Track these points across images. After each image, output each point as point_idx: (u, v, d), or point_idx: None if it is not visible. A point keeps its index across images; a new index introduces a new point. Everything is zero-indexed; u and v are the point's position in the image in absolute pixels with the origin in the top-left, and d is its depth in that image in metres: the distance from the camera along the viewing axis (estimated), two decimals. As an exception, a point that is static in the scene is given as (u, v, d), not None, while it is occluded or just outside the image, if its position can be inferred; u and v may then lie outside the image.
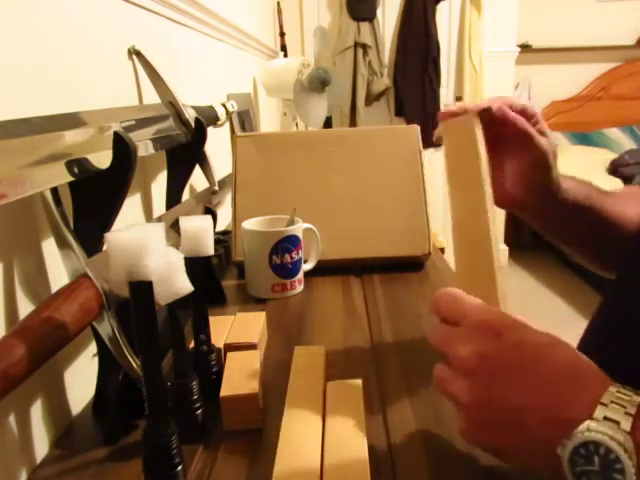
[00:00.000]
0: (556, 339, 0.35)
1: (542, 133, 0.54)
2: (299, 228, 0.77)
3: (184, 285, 0.41)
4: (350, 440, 0.40)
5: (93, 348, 0.49)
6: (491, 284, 0.42)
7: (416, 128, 0.91)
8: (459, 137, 0.49)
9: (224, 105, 1.13)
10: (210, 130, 0.86)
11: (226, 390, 0.47)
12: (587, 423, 0.30)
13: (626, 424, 0.29)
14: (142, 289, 0.35)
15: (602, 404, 0.30)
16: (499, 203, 0.56)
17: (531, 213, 0.61)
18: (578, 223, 0.59)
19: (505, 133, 0.53)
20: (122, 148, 0.50)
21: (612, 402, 0.30)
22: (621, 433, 0.29)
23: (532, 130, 0.53)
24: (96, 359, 0.49)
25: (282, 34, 2.49)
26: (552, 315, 2.39)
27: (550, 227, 0.63)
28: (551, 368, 0.33)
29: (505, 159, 0.56)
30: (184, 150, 0.74)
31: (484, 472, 0.41)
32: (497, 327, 0.36)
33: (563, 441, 0.30)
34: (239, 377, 0.49)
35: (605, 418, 0.30)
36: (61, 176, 0.44)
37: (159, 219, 0.67)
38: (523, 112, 0.53)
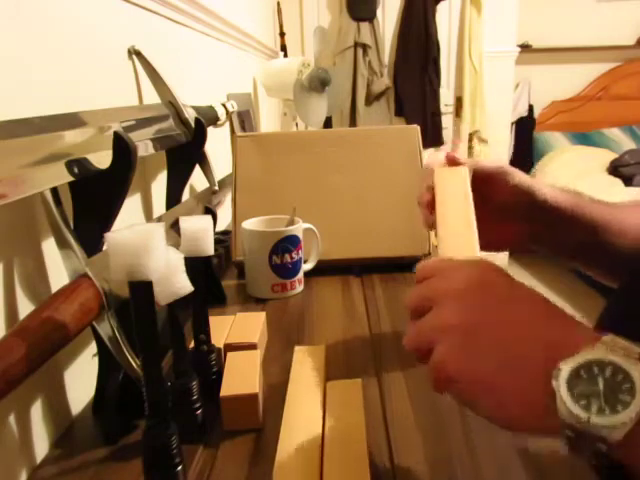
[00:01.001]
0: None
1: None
2: (299, 228, 0.77)
3: (184, 285, 0.41)
4: (350, 440, 0.40)
5: (93, 348, 0.49)
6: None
7: (416, 128, 0.91)
8: (450, 182, 0.54)
9: (224, 105, 1.13)
10: (210, 130, 0.86)
11: (226, 390, 0.47)
12: (591, 345, 0.28)
13: (635, 352, 0.27)
14: (142, 289, 0.35)
15: (603, 342, 0.28)
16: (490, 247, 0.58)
17: (525, 237, 0.61)
18: (572, 232, 0.59)
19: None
20: (122, 148, 0.50)
21: (613, 342, 0.28)
22: (632, 357, 0.27)
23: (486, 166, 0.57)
24: (96, 359, 0.49)
25: (282, 34, 2.49)
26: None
27: (544, 241, 0.63)
28: (549, 306, 0.33)
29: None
30: (184, 150, 0.74)
31: (484, 472, 0.41)
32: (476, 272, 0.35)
33: (559, 364, 0.28)
34: (239, 377, 0.49)
35: (610, 346, 0.28)
36: (61, 176, 0.44)
37: (159, 219, 0.67)
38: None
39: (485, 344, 0.32)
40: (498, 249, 0.60)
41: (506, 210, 0.58)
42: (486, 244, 0.49)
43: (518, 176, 0.57)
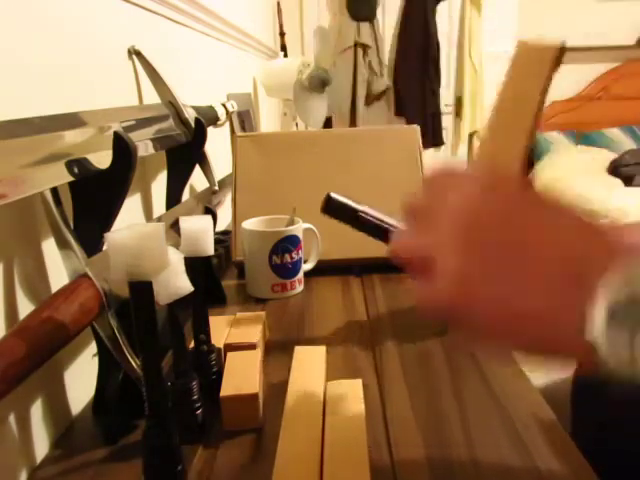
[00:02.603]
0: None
1: None
2: (299, 228, 0.77)
3: (184, 285, 0.41)
4: (350, 440, 0.40)
5: (93, 348, 0.49)
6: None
7: (416, 128, 0.91)
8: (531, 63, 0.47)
9: (224, 105, 1.14)
10: (210, 130, 0.86)
11: (226, 390, 0.47)
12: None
13: None
14: (142, 289, 0.35)
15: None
16: None
17: None
18: None
19: None
20: (122, 148, 0.50)
21: None
22: None
23: None
24: (96, 359, 0.49)
25: (282, 34, 2.50)
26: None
27: None
28: (572, 215, 0.27)
29: None
30: (184, 150, 0.74)
31: (484, 472, 0.41)
32: (497, 180, 0.30)
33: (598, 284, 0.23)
34: (239, 377, 0.49)
35: None
36: (61, 176, 0.44)
37: (159, 219, 0.67)
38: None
39: (504, 264, 0.26)
40: None
41: None
42: None
43: None
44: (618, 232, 0.27)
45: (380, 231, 0.58)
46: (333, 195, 0.59)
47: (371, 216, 0.59)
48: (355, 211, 0.59)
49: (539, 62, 0.44)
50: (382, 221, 0.58)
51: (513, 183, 0.30)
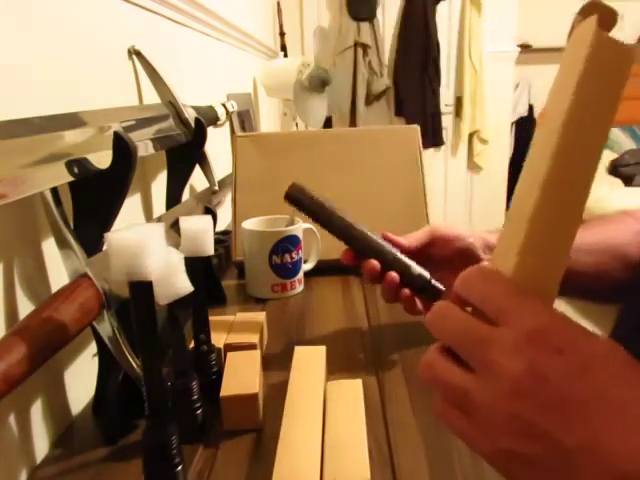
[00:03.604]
0: (630, 358, 0.26)
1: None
2: (299, 228, 0.77)
3: (184, 285, 0.41)
4: (350, 440, 0.40)
5: (93, 348, 0.49)
6: (554, 267, 0.29)
7: (416, 128, 0.91)
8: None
9: (224, 105, 1.13)
10: (210, 130, 0.86)
11: (226, 390, 0.47)
12: None
13: None
14: (142, 289, 0.35)
15: None
16: None
17: None
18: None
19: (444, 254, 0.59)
20: (122, 148, 0.50)
21: None
22: None
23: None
24: (96, 359, 0.49)
25: (282, 34, 2.50)
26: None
27: None
28: (623, 400, 0.25)
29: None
30: (184, 150, 0.74)
31: (484, 472, 0.41)
32: (558, 341, 0.26)
33: None
34: (239, 377, 0.49)
35: None
36: (61, 176, 0.44)
37: (159, 219, 0.67)
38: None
39: (547, 460, 0.26)
40: None
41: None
42: None
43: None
44: None
45: (339, 230, 0.59)
46: (296, 183, 0.60)
47: (331, 212, 0.59)
48: (314, 202, 0.60)
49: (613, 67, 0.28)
50: (343, 219, 0.59)
51: (586, 340, 0.26)
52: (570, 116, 0.28)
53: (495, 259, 0.31)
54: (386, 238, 0.59)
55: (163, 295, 0.40)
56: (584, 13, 0.28)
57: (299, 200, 0.60)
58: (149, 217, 0.76)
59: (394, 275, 0.56)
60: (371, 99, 3.02)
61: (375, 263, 0.57)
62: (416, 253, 0.58)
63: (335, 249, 0.85)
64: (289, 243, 0.75)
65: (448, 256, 0.59)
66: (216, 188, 0.85)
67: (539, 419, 0.26)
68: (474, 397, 0.27)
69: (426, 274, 0.57)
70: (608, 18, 0.28)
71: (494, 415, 0.27)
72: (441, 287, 0.58)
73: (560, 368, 0.26)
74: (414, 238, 0.59)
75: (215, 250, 0.53)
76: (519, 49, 3.22)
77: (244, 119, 1.45)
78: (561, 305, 0.29)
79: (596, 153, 0.28)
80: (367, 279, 0.58)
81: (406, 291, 0.57)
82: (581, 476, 0.25)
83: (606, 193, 2.58)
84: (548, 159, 0.27)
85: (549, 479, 0.26)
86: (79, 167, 0.46)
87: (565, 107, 0.28)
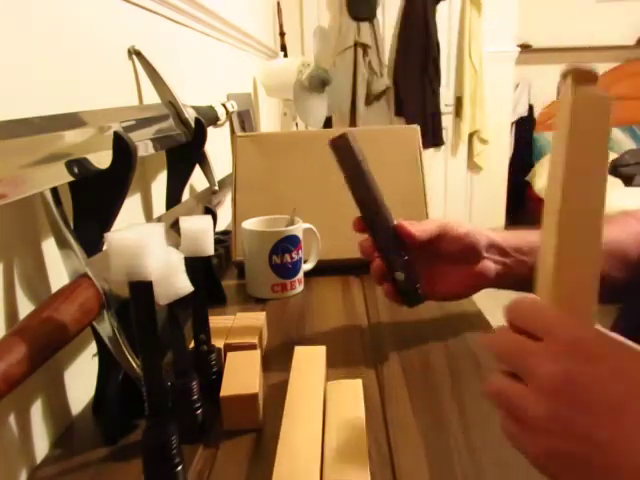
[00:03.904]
0: None
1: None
2: (299, 228, 0.77)
3: (184, 285, 0.41)
4: (350, 440, 0.40)
5: (93, 348, 0.49)
6: (587, 294, 0.34)
7: (416, 128, 0.91)
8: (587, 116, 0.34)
9: (224, 105, 1.13)
10: (210, 130, 0.86)
11: (226, 390, 0.47)
12: None
13: None
14: (142, 289, 0.35)
15: None
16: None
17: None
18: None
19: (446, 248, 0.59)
20: (122, 148, 0.50)
21: None
22: None
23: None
24: (96, 359, 0.49)
25: (282, 34, 2.50)
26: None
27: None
28: None
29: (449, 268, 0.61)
30: (184, 150, 0.74)
31: (484, 472, 0.41)
32: (593, 350, 0.30)
33: None
34: (239, 377, 0.49)
35: None
36: (61, 176, 0.44)
37: (159, 219, 0.67)
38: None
39: (579, 456, 0.29)
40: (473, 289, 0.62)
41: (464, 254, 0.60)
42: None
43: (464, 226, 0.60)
44: None
45: (368, 202, 0.59)
46: (349, 135, 0.58)
47: (367, 178, 0.59)
48: (359, 162, 0.58)
49: (596, 118, 0.34)
50: (372, 191, 0.59)
51: (621, 350, 0.30)
52: (568, 164, 0.33)
53: (537, 292, 0.36)
54: (400, 228, 0.58)
55: (163, 295, 0.40)
56: (564, 77, 0.33)
57: (343, 151, 0.58)
58: (149, 217, 0.76)
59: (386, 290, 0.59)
60: (371, 99, 3.02)
61: (379, 263, 0.58)
62: (425, 245, 0.59)
63: (335, 249, 0.85)
64: (289, 243, 0.75)
65: (454, 251, 0.59)
66: (216, 188, 0.85)
67: (574, 418, 0.29)
68: (524, 404, 0.31)
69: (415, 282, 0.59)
70: (587, 75, 0.33)
71: (537, 417, 0.30)
72: (420, 295, 0.59)
73: (592, 373, 0.29)
74: (426, 232, 0.59)
75: (215, 250, 0.52)
76: (519, 49, 3.22)
77: (244, 119, 1.45)
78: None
79: (600, 193, 0.34)
80: (375, 277, 0.60)
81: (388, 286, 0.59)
82: (618, 472, 0.27)
83: (606, 193, 2.57)
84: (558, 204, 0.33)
85: (591, 477, 0.29)
86: (79, 167, 0.46)
87: (563, 157, 0.33)
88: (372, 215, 0.59)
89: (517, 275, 0.59)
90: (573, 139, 0.33)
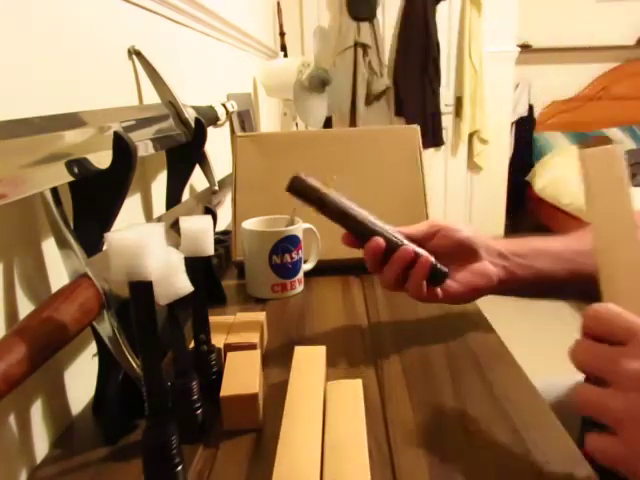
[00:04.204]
0: None
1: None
2: (299, 228, 0.77)
3: (184, 285, 0.41)
4: (350, 440, 0.40)
5: (93, 348, 0.49)
6: None
7: (416, 128, 0.91)
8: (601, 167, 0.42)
9: (224, 105, 1.13)
10: (210, 130, 0.86)
11: (226, 390, 0.47)
12: None
13: None
14: (142, 289, 0.35)
15: None
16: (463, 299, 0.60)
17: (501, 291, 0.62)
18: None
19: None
20: (122, 148, 0.50)
21: None
22: None
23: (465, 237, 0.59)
24: (96, 359, 0.49)
25: (282, 34, 2.50)
26: (554, 317, 2.39)
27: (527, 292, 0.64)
28: None
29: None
30: (184, 150, 0.74)
31: (484, 472, 0.41)
32: None
33: None
34: (239, 377, 0.49)
35: None
36: (61, 176, 0.44)
37: (159, 219, 0.67)
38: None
39: None
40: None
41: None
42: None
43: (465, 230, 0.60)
44: None
45: (344, 218, 0.58)
46: (300, 175, 0.59)
47: (335, 201, 0.59)
48: (319, 193, 0.58)
49: (609, 169, 0.40)
50: (347, 208, 0.59)
51: None
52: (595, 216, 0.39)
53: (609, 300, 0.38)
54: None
55: (163, 295, 0.40)
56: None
57: (303, 192, 0.59)
58: (149, 217, 0.77)
59: (406, 251, 0.56)
60: (371, 99, 3.02)
61: (380, 241, 0.57)
62: (420, 244, 0.59)
63: (335, 249, 0.85)
64: (289, 243, 0.75)
65: (448, 247, 0.59)
66: (216, 188, 0.85)
67: None
68: (616, 405, 0.32)
69: (431, 257, 0.57)
70: (594, 144, 0.40)
71: (625, 409, 0.32)
72: (445, 269, 0.58)
73: None
74: (414, 230, 0.60)
75: (215, 250, 0.52)
76: (519, 49, 3.22)
77: (244, 119, 1.45)
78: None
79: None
80: (371, 261, 0.58)
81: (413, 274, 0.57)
82: None
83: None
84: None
85: None
86: (79, 167, 0.46)
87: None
88: (359, 231, 0.59)
89: (520, 279, 0.59)
90: (589, 193, 0.38)
